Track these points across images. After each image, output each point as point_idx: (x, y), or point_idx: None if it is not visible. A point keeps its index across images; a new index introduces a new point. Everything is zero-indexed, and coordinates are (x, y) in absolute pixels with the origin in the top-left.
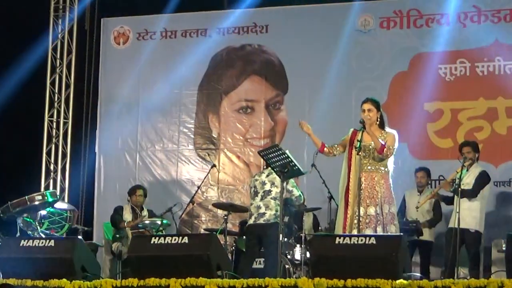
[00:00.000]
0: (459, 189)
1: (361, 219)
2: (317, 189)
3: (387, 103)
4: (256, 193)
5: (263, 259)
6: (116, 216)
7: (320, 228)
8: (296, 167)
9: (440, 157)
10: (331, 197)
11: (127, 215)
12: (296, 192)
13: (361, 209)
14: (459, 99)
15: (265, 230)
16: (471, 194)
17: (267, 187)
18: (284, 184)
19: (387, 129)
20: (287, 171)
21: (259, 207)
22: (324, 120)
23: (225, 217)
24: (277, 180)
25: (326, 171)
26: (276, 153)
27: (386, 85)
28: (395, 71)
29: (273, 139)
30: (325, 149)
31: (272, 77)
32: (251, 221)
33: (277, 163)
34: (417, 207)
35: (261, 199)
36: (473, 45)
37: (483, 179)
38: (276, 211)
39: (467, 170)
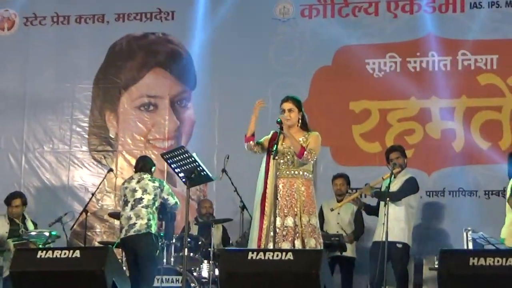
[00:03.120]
0: (382, 191)
1: (277, 231)
2: (228, 197)
3: (308, 101)
4: (126, 203)
5: (178, 277)
6: None
7: (231, 242)
8: (204, 172)
9: (366, 163)
10: (243, 207)
11: (2, 229)
12: (172, 200)
13: (278, 219)
14: (389, 98)
15: (137, 242)
16: (394, 197)
17: (138, 194)
18: (158, 191)
19: (311, 131)
20: (194, 176)
21: (129, 218)
22: (235, 120)
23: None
24: (150, 186)
25: (238, 177)
26: (182, 156)
27: (307, 82)
28: (318, 66)
29: (179, 141)
30: (251, 142)
31: (178, 71)
32: (122, 235)
33: (183, 168)
34: (331, 209)
35: (131, 209)
36: (405, 38)
37: (410, 185)
38: (148, 220)
39: (395, 177)
